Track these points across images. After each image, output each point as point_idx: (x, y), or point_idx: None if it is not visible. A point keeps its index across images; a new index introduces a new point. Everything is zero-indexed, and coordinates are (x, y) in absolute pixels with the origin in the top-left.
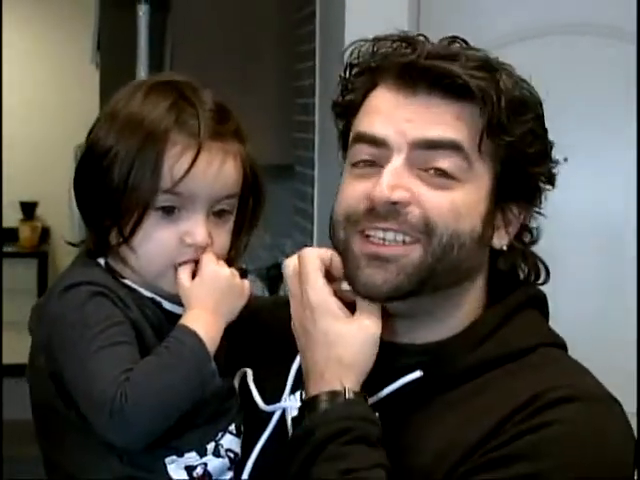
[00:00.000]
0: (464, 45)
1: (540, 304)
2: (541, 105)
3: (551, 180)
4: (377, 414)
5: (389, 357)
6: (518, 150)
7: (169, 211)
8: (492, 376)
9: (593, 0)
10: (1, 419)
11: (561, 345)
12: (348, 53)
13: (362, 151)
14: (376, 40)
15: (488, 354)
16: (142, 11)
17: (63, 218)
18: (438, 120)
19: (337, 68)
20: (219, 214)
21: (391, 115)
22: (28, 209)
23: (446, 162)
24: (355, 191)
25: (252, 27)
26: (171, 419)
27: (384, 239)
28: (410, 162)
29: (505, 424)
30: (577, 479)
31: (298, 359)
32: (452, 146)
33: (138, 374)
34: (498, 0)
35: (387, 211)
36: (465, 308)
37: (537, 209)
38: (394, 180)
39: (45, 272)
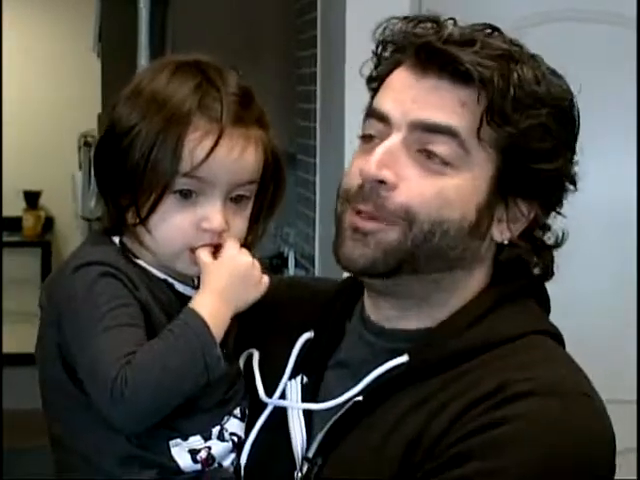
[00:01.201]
0: (494, 33)
1: (537, 293)
2: (569, 104)
3: (570, 180)
4: (361, 397)
5: (377, 341)
6: (522, 143)
7: (187, 195)
8: (474, 363)
9: None
10: (1, 408)
11: (553, 334)
12: (380, 30)
13: (369, 126)
14: (407, 19)
15: (473, 341)
16: (143, 1)
17: (67, 207)
18: (441, 104)
19: (339, 55)
20: (237, 200)
21: (400, 94)
22: (32, 198)
23: (441, 147)
24: (353, 166)
25: (253, 13)
26: (173, 403)
27: (368, 215)
28: (408, 142)
29: (463, 415)
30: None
31: (300, 342)
32: (448, 131)
33: (140, 357)
34: None
35: (370, 189)
36: (459, 297)
37: (556, 210)
38: (385, 158)
39: (49, 261)
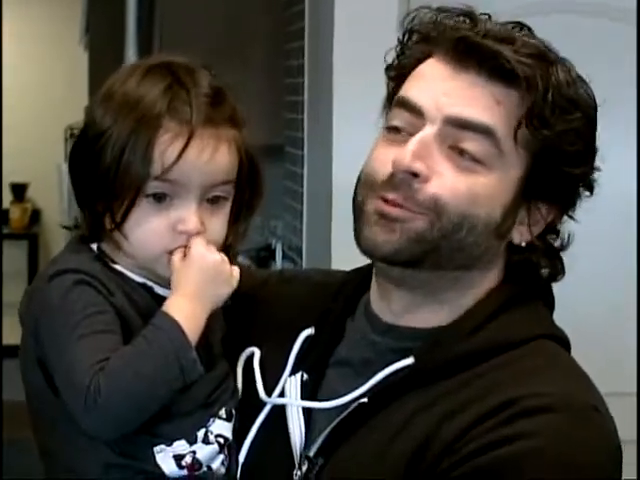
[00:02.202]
0: (527, 32)
1: (544, 296)
2: (594, 109)
3: (589, 187)
4: (366, 399)
5: (382, 340)
6: (556, 147)
7: (161, 198)
8: (482, 368)
9: None
10: (1, 401)
11: (560, 339)
12: (409, 19)
13: (398, 116)
14: (439, 10)
15: (481, 344)
16: None
17: (54, 199)
18: (478, 101)
19: (327, 47)
20: (214, 201)
21: (434, 86)
22: (18, 191)
23: (475, 145)
24: (382, 154)
25: (241, 5)
26: (148, 409)
27: (396, 203)
28: (441, 137)
29: (474, 427)
30: None
31: (300, 339)
32: (484, 130)
33: (112, 364)
34: None
35: (401, 179)
36: (469, 295)
37: (569, 214)
38: (419, 150)
39: (36, 254)
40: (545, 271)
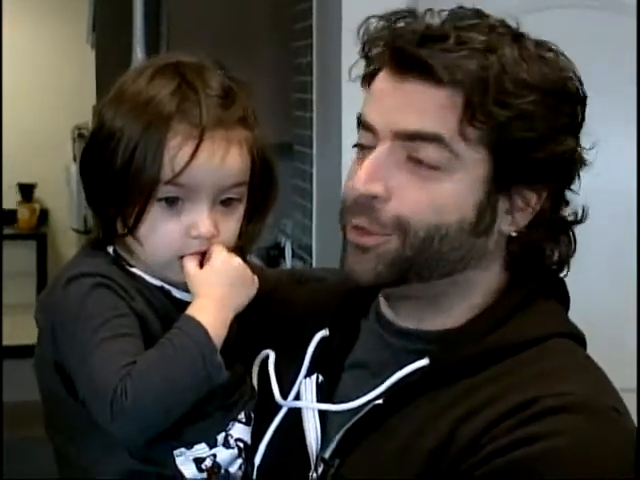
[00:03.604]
0: (476, 19)
1: (558, 293)
2: (561, 85)
3: (574, 160)
4: (381, 401)
5: (397, 342)
6: (508, 135)
7: (173, 202)
8: (499, 368)
9: None
10: (1, 402)
11: (577, 337)
12: (362, 30)
13: (361, 136)
14: (384, 17)
15: (497, 344)
16: None
17: (62, 200)
18: (422, 109)
19: (334, 45)
20: (227, 203)
21: (382, 102)
22: (26, 191)
23: (427, 154)
24: (349, 178)
25: (249, 4)
26: (174, 414)
27: (365, 229)
28: (394, 152)
29: (494, 427)
30: None
31: (315, 340)
32: (433, 138)
33: (139, 368)
34: None
35: (363, 204)
36: (475, 295)
37: (568, 188)
38: (373, 171)
39: (44, 254)
40: (553, 257)
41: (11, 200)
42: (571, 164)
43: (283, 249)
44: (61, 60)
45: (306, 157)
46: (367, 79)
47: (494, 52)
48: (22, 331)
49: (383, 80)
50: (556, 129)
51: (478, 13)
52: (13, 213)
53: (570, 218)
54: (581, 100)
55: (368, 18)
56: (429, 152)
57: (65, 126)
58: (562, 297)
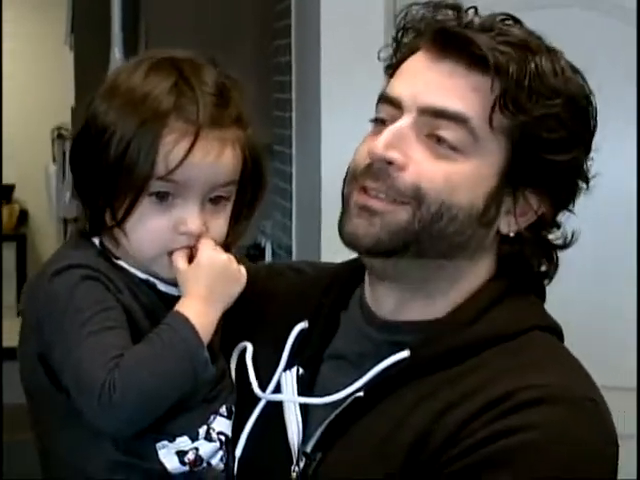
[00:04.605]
0: (511, 23)
1: (536, 288)
2: (584, 99)
3: (580, 178)
4: (362, 393)
5: (377, 333)
6: (534, 132)
7: (163, 197)
8: (479, 359)
9: None
10: (1, 403)
11: (555, 330)
12: (401, 16)
13: (382, 110)
14: (428, 5)
15: (476, 336)
16: None
17: (41, 200)
18: (453, 89)
19: (313, 44)
20: (216, 201)
21: (413, 77)
22: (5, 192)
23: (450, 133)
24: (362, 147)
25: (227, 5)
26: (161, 408)
27: (377, 193)
28: (418, 126)
29: (473, 421)
30: None
31: (294, 332)
32: (458, 117)
33: (127, 362)
34: None
35: (379, 169)
36: (460, 289)
37: (566, 208)
38: (393, 140)
39: (24, 255)
40: (539, 265)
41: None
42: (580, 178)
43: (263, 249)
44: (39, 61)
45: (285, 157)
46: (393, 67)
47: (533, 53)
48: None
49: (417, 60)
50: (576, 138)
51: (515, 18)
52: None
53: (558, 241)
54: (594, 119)
55: (410, 5)
56: (452, 132)
57: (44, 127)
58: (539, 292)
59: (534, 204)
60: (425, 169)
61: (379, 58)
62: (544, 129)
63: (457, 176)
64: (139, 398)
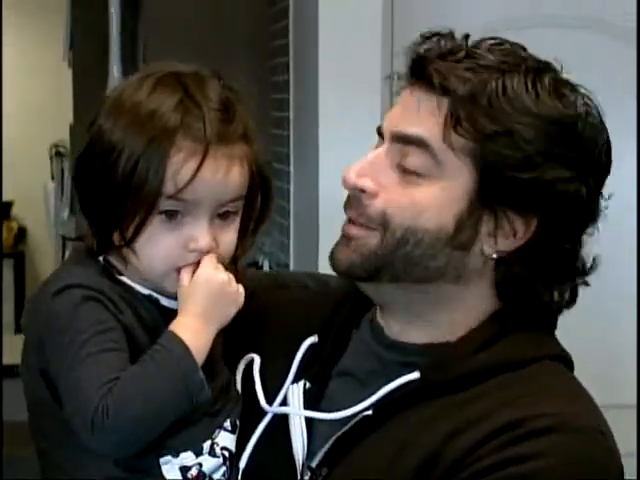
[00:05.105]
0: (499, 45)
1: (547, 316)
2: (566, 120)
3: (569, 194)
4: (371, 412)
5: (387, 353)
6: (495, 150)
7: (172, 215)
8: (488, 386)
9: None
10: (1, 419)
11: (565, 359)
12: (409, 51)
13: (376, 142)
14: (422, 36)
15: (486, 362)
16: (113, 8)
17: (39, 217)
18: (415, 114)
19: (311, 63)
20: (224, 216)
21: (395, 108)
22: (3, 209)
23: (413, 159)
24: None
25: (225, 22)
26: (155, 431)
27: (354, 221)
28: (391, 154)
29: (481, 447)
30: None
31: (304, 346)
32: (419, 142)
33: (121, 386)
34: None
35: (354, 197)
36: (458, 312)
37: (571, 234)
38: (366, 168)
39: (22, 272)
40: (550, 291)
41: None
42: (562, 197)
43: (261, 267)
44: (38, 78)
45: (283, 175)
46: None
47: (501, 72)
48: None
49: (404, 93)
50: (546, 156)
51: (514, 44)
52: None
53: (578, 267)
54: (597, 144)
55: (415, 41)
56: (416, 157)
57: (42, 144)
58: (550, 320)
59: (519, 226)
60: (393, 196)
61: (393, 94)
62: (504, 146)
63: (422, 200)
64: (132, 422)
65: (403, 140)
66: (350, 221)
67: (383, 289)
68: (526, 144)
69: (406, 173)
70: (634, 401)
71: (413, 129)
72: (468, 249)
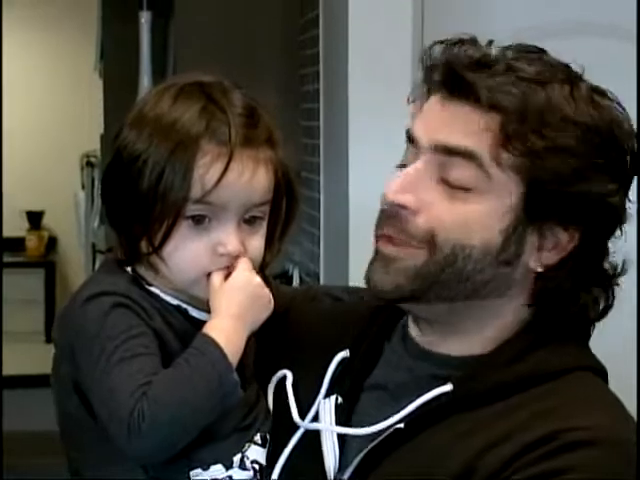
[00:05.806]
0: (535, 54)
1: (581, 327)
2: (606, 128)
3: (612, 205)
4: (402, 425)
5: (419, 365)
6: (543, 165)
7: (200, 220)
8: (522, 398)
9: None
10: (1, 430)
11: (599, 371)
12: (425, 56)
13: (407, 150)
14: (446, 43)
15: (519, 374)
16: (144, 18)
17: (70, 227)
18: (462, 128)
19: (341, 73)
20: (251, 221)
21: (429, 117)
22: (34, 218)
23: (461, 172)
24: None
25: (256, 32)
26: (191, 433)
27: (392, 239)
28: (431, 166)
29: (517, 459)
30: None
31: (336, 361)
32: (469, 155)
33: (155, 389)
34: None
35: (391, 212)
36: (498, 325)
37: (607, 239)
38: (406, 183)
39: (53, 282)
40: (583, 301)
41: (19, 228)
42: (608, 209)
43: (291, 277)
44: (69, 88)
45: (313, 184)
46: (421, 101)
47: (542, 85)
48: (32, 360)
49: (433, 100)
50: (593, 168)
51: (540, 50)
52: (21, 241)
53: (609, 272)
54: (629, 151)
55: (433, 44)
56: (463, 170)
57: (73, 154)
58: (584, 331)
59: (562, 238)
60: (438, 212)
61: (408, 101)
62: (554, 162)
63: (470, 216)
64: (168, 425)
65: (447, 152)
66: (385, 238)
67: (428, 307)
68: (574, 158)
69: (451, 187)
70: (634, 401)
71: (461, 141)
72: (514, 264)
